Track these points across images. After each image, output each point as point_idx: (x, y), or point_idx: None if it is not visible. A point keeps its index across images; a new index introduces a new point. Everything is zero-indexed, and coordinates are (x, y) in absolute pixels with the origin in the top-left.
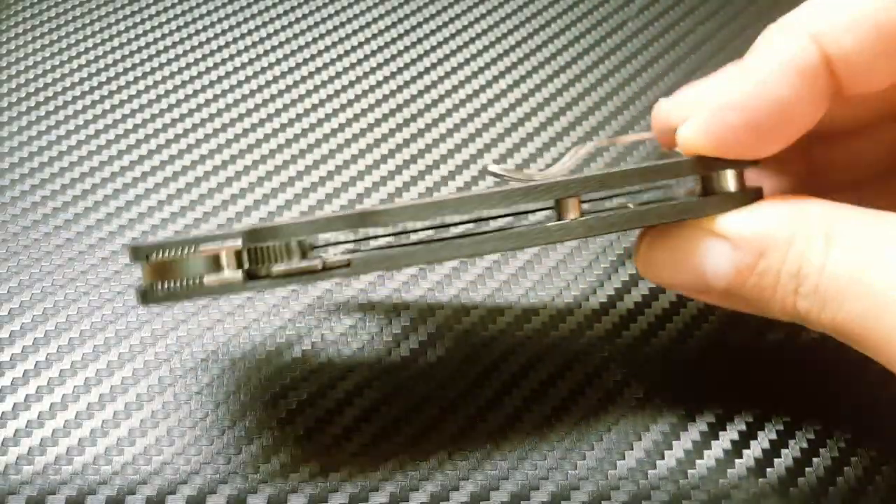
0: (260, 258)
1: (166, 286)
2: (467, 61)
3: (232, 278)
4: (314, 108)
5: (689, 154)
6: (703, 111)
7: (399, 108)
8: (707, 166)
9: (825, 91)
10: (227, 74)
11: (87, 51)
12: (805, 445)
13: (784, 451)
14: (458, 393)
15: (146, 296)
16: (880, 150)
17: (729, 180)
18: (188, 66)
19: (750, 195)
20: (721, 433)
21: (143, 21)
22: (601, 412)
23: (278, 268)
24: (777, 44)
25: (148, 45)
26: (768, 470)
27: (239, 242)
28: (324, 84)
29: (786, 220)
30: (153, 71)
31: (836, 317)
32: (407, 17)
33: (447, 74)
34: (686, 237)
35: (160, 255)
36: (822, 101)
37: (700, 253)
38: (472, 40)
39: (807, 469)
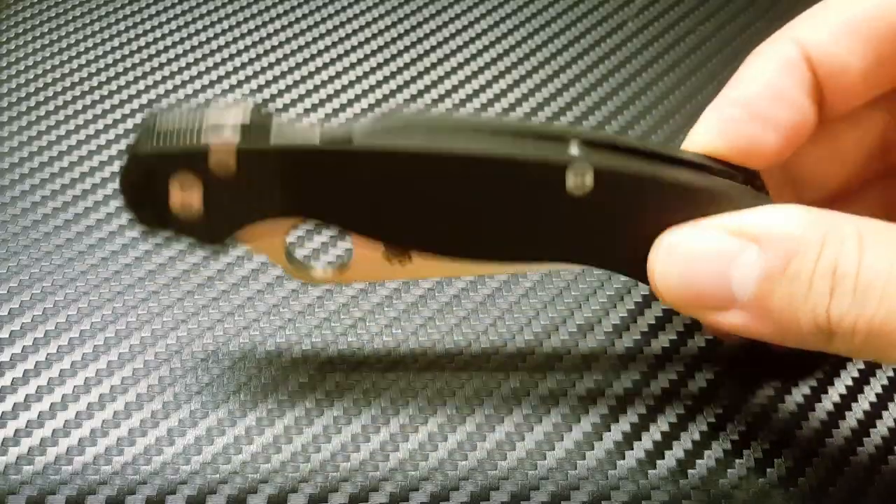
0: (262, 133)
1: (162, 139)
2: (467, 61)
3: (230, 136)
4: (314, 107)
5: None
6: (706, 113)
7: (399, 107)
8: (717, 166)
9: (811, 85)
10: (227, 74)
11: (87, 51)
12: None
13: (784, 451)
14: (459, 393)
15: (137, 145)
16: (875, 207)
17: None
18: (188, 66)
19: (764, 196)
20: (721, 433)
21: (143, 21)
22: (601, 412)
23: (277, 141)
24: (763, 50)
25: (148, 45)
26: (769, 470)
27: (246, 119)
28: (323, 84)
29: (816, 221)
30: (153, 71)
31: (875, 318)
32: (407, 16)
33: (447, 74)
34: (707, 240)
35: (166, 119)
36: (809, 96)
37: (724, 258)
38: (473, 40)
39: (807, 469)
